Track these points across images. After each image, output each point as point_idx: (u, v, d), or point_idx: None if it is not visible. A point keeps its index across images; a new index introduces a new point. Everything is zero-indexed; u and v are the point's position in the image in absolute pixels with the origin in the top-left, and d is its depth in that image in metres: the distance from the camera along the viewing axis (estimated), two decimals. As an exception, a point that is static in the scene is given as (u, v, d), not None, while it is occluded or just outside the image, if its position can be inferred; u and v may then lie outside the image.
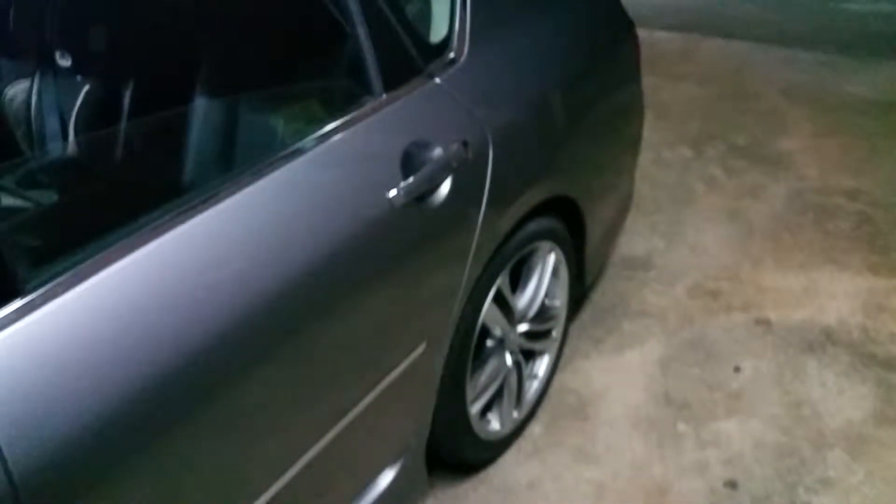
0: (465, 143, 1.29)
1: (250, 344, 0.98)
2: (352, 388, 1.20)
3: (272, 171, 1.05)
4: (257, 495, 1.04)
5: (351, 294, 1.13)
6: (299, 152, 1.10)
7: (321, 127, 1.15)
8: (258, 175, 1.04)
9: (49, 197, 1.22)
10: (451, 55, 1.37)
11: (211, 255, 0.96)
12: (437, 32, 1.38)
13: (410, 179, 1.19)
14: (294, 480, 1.10)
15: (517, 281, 1.72)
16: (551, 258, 1.76)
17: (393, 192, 1.16)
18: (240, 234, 1.00)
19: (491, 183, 1.36)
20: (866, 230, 2.67)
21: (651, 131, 2.92)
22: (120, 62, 1.37)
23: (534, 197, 1.54)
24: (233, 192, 1.00)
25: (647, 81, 2.18)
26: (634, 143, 2.18)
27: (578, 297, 2.19)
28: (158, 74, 1.28)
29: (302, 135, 1.13)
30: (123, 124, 1.26)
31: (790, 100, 3.81)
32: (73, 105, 1.36)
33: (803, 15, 5.40)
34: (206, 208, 0.97)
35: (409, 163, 1.20)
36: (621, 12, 2.00)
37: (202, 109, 1.18)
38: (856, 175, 3.05)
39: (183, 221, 0.94)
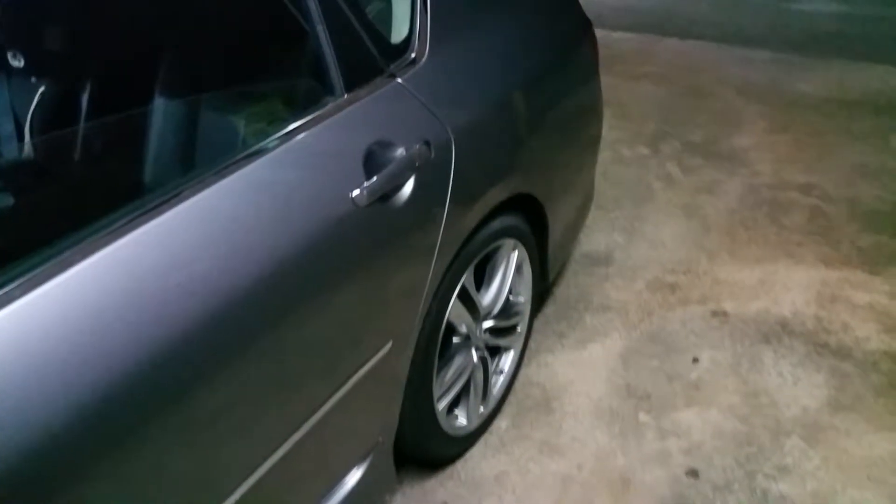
0: (427, 143, 1.31)
1: (215, 345, 0.97)
2: (318, 387, 1.21)
3: (233, 171, 1.05)
4: (226, 495, 1.04)
5: (315, 294, 1.14)
6: (261, 152, 1.10)
7: (283, 127, 1.15)
8: (219, 176, 1.03)
9: (4, 200, 1.19)
10: (413, 55, 1.38)
11: (173, 257, 0.95)
12: (398, 32, 1.39)
13: (373, 179, 1.19)
14: (263, 479, 1.10)
15: (482, 278, 1.74)
16: (514, 255, 1.79)
17: (356, 192, 1.17)
18: (202, 234, 0.99)
19: (454, 182, 1.38)
20: (819, 223, 2.76)
21: (610, 130, 2.98)
22: (76, 62, 1.34)
23: (497, 195, 1.56)
24: (194, 193, 1.00)
25: (606, 81, 2.22)
26: (594, 142, 2.22)
27: (542, 292, 2.23)
28: (116, 74, 1.26)
29: (264, 135, 1.13)
30: (81, 125, 1.24)
31: (744, 98, 3.91)
32: (28, 107, 1.33)
33: (757, 15, 5.54)
34: (168, 209, 0.96)
35: (371, 162, 1.21)
36: (579, 13, 2.03)
37: (162, 109, 1.17)
38: (808, 170, 3.15)
39: (144, 223, 0.94)
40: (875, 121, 3.63)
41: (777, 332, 2.21)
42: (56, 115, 1.33)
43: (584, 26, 2.03)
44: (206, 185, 1.01)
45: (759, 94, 3.95)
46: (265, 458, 1.11)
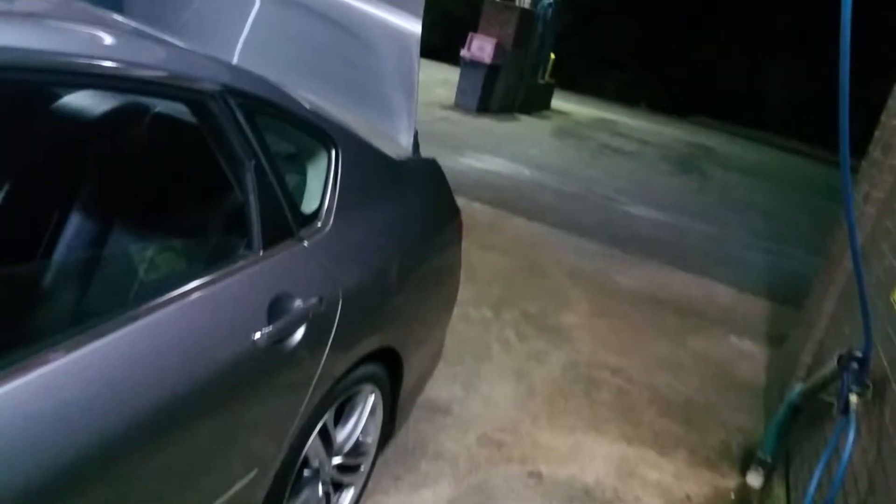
0: (321, 298, 1.54)
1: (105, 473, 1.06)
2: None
3: (156, 311, 1.20)
4: None
5: (206, 423, 1.28)
6: (181, 297, 1.25)
7: (204, 273, 1.33)
8: (147, 313, 1.18)
9: None
10: (319, 224, 1.64)
11: (68, 406, 1.02)
12: (310, 203, 1.65)
13: (273, 325, 1.39)
14: None
15: (339, 416, 1.92)
16: (371, 399, 2.00)
17: (258, 335, 1.36)
18: (103, 382, 1.07)
19: (336, 332, 1.60)
20: (624, 403, 3.22)
21: (461, 289, 3.34)
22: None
23: (368, 346, 1.79)
24: (128, 322, 1.14)
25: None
26: (450, 304, 2.54)
27: (387, 435, 2.42)
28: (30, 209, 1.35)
29: (185, 278, 1.30)
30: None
31: (574, 281, 4.51)
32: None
33: (592, 210, 6.44)
34: (63, 357, 1.03)
35: (274, 310, 1.41)
36: (451, 200, 2.42)
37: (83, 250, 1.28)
38: (620, 354, 3.68)
39: (38, 367, 0.99)
40: (676, 320, 4.32)
41: (581, 497, 2.53)
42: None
43: (453, 212, 2.40)
44: (138, 316, 1.16)
45: (585, 280, 4.57)
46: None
